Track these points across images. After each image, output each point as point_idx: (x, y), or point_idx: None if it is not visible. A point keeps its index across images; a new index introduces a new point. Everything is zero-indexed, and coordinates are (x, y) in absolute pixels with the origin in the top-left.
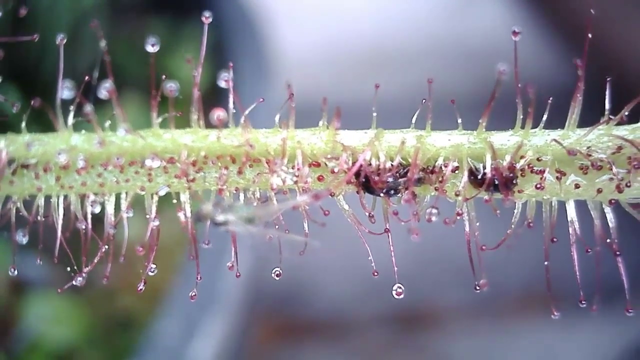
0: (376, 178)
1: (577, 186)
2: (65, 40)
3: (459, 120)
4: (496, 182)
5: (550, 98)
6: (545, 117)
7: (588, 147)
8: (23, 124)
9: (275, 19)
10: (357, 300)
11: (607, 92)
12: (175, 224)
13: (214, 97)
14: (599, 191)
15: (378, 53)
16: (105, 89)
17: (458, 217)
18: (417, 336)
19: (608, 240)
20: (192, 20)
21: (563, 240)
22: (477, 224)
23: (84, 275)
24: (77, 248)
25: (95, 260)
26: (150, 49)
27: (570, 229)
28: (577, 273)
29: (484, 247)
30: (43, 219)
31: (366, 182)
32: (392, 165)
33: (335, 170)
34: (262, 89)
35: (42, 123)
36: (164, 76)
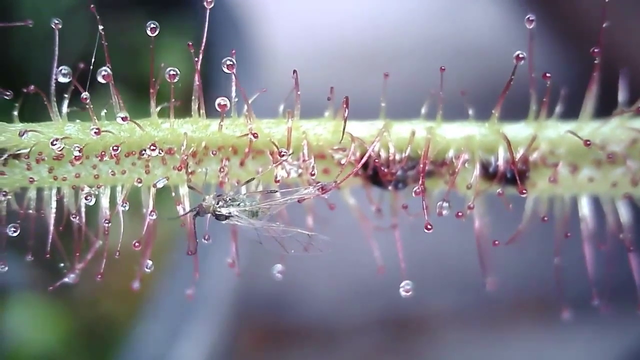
0: (385, 170)
1: (590, 180)
2: (56, 29)
3: (470, 112)
4: (508, 176)
5: (562, 89)
6: (557, 109)
7: (602, 140)
8: (15, 113)
9: (265, 13)
10: (346, 306)
11: (620, 84)
12: (159, 228)
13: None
14: (614, 185)
15: (371, 51)
16: (102, 73)
17: (469, 211)
18: (407, 342)
19: (621, 236)
20: (175, 15)
21: (552, 246)
22: (476, 224)
23: (76, 272)
24: (64, 247)
25: (89, 257)
26: (149, 32)
27: (582, 226)
28: (587, 275)
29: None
30: (34, 214)
31: (374, 174)
32: (401, 157)
33: (342, 162)
34: (249, 85)
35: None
36: (162, 64)
